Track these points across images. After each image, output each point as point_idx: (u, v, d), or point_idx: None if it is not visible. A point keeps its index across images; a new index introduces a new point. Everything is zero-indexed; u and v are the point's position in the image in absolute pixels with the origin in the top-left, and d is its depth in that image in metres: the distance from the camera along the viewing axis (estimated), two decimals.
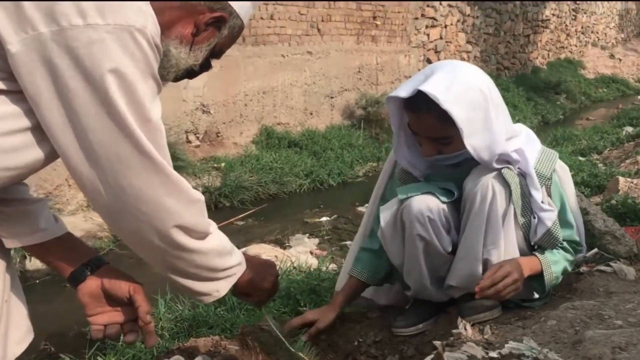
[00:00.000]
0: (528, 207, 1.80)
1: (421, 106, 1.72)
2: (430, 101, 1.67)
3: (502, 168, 1.76)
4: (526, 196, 1.79)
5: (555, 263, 1.83)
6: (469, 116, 1.68)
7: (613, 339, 1.42)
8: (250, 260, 1.41)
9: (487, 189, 1.75)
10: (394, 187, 1.99)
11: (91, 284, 1.20)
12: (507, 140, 1.79)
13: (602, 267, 2.17)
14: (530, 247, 1.86)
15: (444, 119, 1.69)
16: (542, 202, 1.79)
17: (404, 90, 1.73)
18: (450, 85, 1.68)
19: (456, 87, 1.68)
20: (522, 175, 1.80)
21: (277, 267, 1.49)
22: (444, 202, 1.81)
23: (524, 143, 1.85)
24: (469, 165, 1.82)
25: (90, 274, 1.20)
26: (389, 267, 2.00)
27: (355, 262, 2.03)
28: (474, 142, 1.71)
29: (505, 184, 1.75)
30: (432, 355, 1.43)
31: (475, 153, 1.73)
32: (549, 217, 1.79)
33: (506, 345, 1.44)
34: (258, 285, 1.43)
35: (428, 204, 1.79)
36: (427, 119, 1.73)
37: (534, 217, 1.80)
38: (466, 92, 1.69)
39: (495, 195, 1.74)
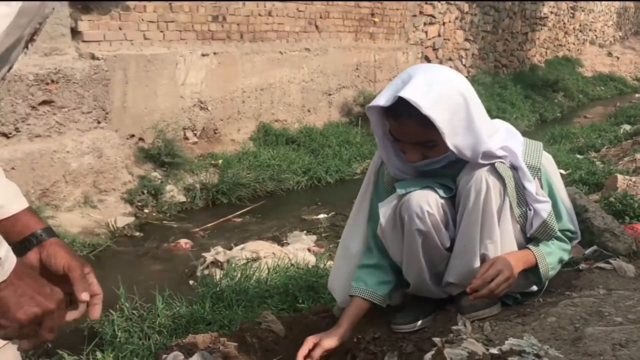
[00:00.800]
0: (523, 199, 1.80)
1: (402, 113, 1.70)
2: (410, 107, 1.65)
3: (493, 162, 1.76)
4: (520, 189, 1.79)
5: (549, 254, 1.83)
6: (449, 118, 1.67)
7: (613, 336, 1.42)
8: (23, 276, 0.97)
9: (480, 183, 1.74)
10: (381, 196, 1.97)
11: (31, 257, 1.15)
12: (489, 138, 1.78)
13: (602, 265, 2.17)
14: (528, 240, 1.86)
15: (426, 124, 1.67)
16: (537, 193, 1.79)
17: (383, 98, 1.71)
18: (429, 89, 1.67)
19: (435, 90, 1.67)
20: (514, 168, 1.80)
21: (64, 300, 1.04)
22: (442, 197, 1.80)
23: (506, 138, 1.85)
24: (459, 165, 1.82)
25: (32, 247, 1.15)
26: (394, 279, 1.97)
27: (356, 281, 1.95)
28: (456, 142, 1.70)
29: (499, 177, 1.75)
30: (432, 352, 1.42)
31: (459, 152, 1.72)
32: (544, 209, 1.79)
33: (506, 341, 1.43)
34: (9, 312, 0.95)
35: (427, 199, 1.78)
36: (409, 125, 1.72)
37: (530, 209, 1.80)
38: (445, 94, 1.68)
39: (489, 189, 1.74)
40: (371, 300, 1.92)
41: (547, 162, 1.92)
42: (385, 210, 1.86)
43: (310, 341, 1.85)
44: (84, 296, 1.12)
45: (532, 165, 1.82)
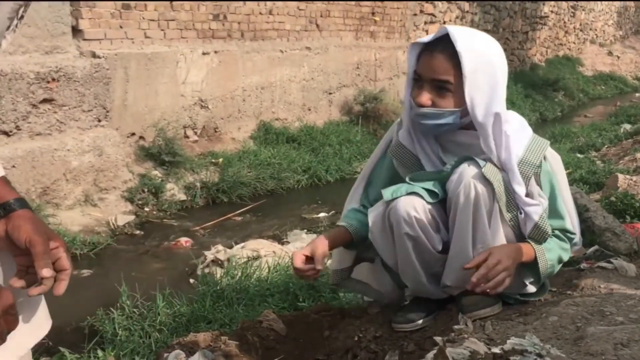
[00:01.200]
0: (513, 202, 1.79)
1: (437, 46, 1.77)
2: (446, 43, 1.74)
3: (486, 162, 1.76)
4: (510, 192, 1.78)
5: (548, 250, 1.82)
6: (476, 69, 1.73)
7: (615, 335, 1.42)
8: None
9: (469, 188, 1.74)
10: (383, 164, 2.01)
11: None
12: (506, 122, 1.79)
13: (603, 264, 2.17)
14: (521, 241, 1.85)
15: (454, 62, 1.74)
16: (527, 195, 1.79)
17: (427, 38, 1.80)
18: (472, 39, 1.77)
19: (476, 43, 1.77)
20: (504, 170, 1.80)
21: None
22: (429, 203, 1.80)
23: (517, 129, 1.85)
24: (453, 155, 1.83)
25: (0, 218, 1.12)
26: None
27: (344, 218, 2.03)
28: (474, 95, 1.74)
29: (487, 182, 1.75)
30: (434, 351, 1.42)
31: (472, 109, 1.75)
32: (535, 212, 1.78)
33: (508, 341, 1.43)
34: None
35: (414, 204, 1.79)
36: (438, 57, 1.77)
37: (520, 213, 1.80)
38: (482, 50, 1.76)
39: (478, 194, 1.74)
40: (352, 234, 1.96)
41: (554, 161, 1.92)
42: (373, 217, 1.88)
43: (300, 253, 1.87)
44: (45, 272, 1.09)
45: (530, 161, 1.81)
